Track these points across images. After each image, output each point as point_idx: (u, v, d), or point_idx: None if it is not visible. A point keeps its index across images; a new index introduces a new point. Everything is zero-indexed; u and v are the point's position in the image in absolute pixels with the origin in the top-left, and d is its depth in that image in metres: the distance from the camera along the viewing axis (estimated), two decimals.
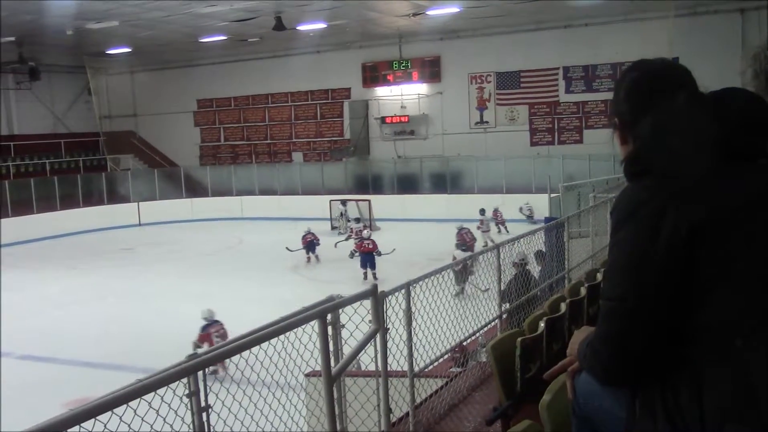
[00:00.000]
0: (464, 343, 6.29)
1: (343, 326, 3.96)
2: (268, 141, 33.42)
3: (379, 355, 4.21)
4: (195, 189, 31.85)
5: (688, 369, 1.71)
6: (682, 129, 1.72)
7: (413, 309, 4.92)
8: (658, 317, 1.70)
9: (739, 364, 1.63)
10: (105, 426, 2.33)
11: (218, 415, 2.99)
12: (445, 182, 28.56)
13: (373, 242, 18.64)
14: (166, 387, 2.53)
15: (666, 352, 1.74)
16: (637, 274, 1.69)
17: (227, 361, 2.87)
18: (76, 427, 2.10)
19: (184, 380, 2.70)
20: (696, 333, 1.70)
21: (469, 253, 14.63)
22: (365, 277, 18.07)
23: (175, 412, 2.77)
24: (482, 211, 22.32)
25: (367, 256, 18.42)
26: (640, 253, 1.68)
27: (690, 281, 1.66)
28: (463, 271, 13.43)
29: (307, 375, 5.57)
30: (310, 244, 21.06)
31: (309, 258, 21.05)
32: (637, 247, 1.69)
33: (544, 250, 9.17)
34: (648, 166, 1.75)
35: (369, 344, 3.93)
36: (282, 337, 3.20)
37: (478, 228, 20.99)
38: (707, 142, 1.70)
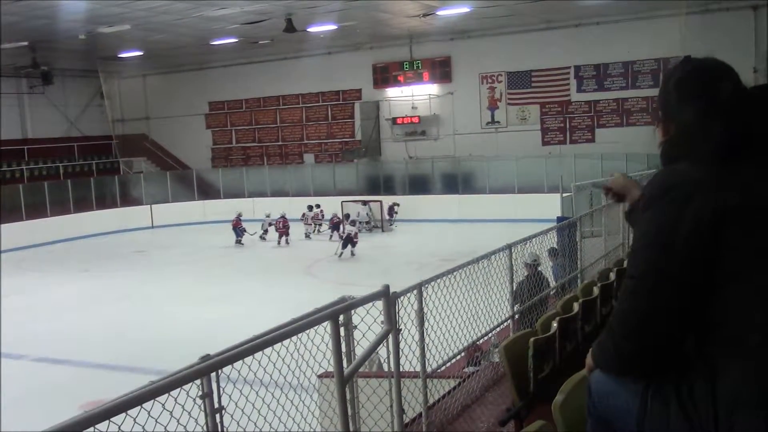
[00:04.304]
0: (477, 343, 6.28)
1: (355, 327, 3.96)
2: (280, 143, 33.51)
3: (391, 356, 4.21)
4: (207, 191, 31.98)
5: (704, 358, 1.73)
6: (721, 119, 1.76)
7: (425, 309, 4.91)
8: (678, 300, 1.73)
9: (753, 354, 1.66)
10: (119, 427, 2.34)
11: (231, 416, 3.00)
12: (457, 183, 28.51)
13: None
14: (179, 388, 2.54)
15: (683, 340, 1.77)
16: (660, 254, 1.73)
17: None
18: (91, 429, 2.11)
19: (198, 382, 2.70)
20: (713, 323, 1.72)
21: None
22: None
23: (189, 413, 2.78)
24: (309, 207, 26.60)
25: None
26: (664, 235, 1.72)
27: (711, 269, 1.69)
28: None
29: (319, 376, 5.58)
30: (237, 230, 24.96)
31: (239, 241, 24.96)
32: (661, 229, 1.73)
33: (556, 247, 9.16)
34: (684, 152, 1.79)
35: (381, 345, 3.92)
36: (294, 338, 3.20)
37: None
38: (744, 134, 1.73)
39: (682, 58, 2.03)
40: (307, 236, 25.74)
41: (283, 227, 24.58)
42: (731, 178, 1.70)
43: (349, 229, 22.26)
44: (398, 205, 27.38)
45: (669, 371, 1.79)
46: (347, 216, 24.96)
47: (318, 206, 26.79)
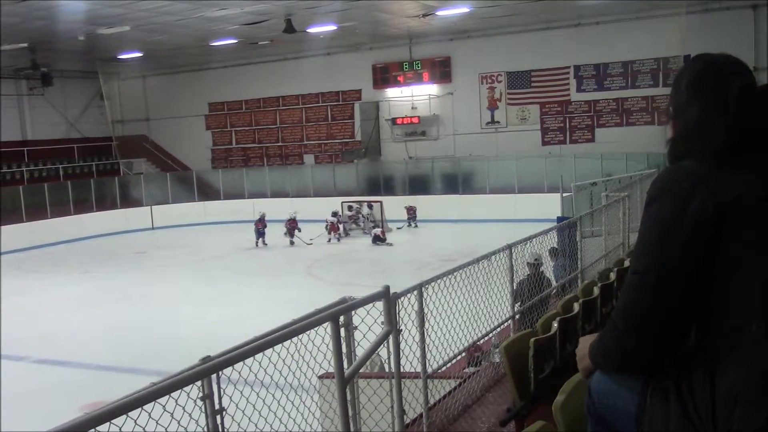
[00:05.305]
0: (478, 344, 6.28)
1: (355, 328, 3.96)
2: (280, 143, 33.51)
3: (392, 357, 4.21)
4: (207, 192, 31.98)
5: (703, 353, 1.75)
6: (725, 115, 1.78)
7: (426, 310, 4.91)
8: (681, 294, 1.75)
9: (753, 348, 1.67)
10: (120, 429, 2.34)
11: (232, 417, 3.00)
12: (457, 183, 28.51)
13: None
14: (180, 390, 2.54)
15: (686, 334, 1.79)
16: (663, 248, 1.75)
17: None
18: (92, 431, 2.11)
19: (198, 383, 2.70)
20: (713, 316, 1.74)
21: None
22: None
23: (189, 415, 2.78)
24: (350, 207, 26.83)
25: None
26: (667, 229, 1.74)
27: (713, 262, 1.71)
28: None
29: (320, 377, 5.58)
30: (259, 231, 24.58)
31: (257, 243, 24.61)
32: (664, 223, 1.75)
33: (557, 247, 9.16)
34: (690, 149, 1.82)
35: (382, 346, 3.92)
36: (295, 339, 3.21)
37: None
38: (747, 130, 1.76)
39: (693, 56, 2.00)
40: (347, 234, 25.94)
41: (290, 227, 24.50)
42: (734, 173, 1.73)
43: (375, 230, 24.44)
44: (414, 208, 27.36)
45: (670, 368, 1.81)
46: (335, 212, 25.59)
47: (350, 208, 26.75)
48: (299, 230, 24.31)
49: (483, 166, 27.89)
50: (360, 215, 26.45)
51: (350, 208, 26.76)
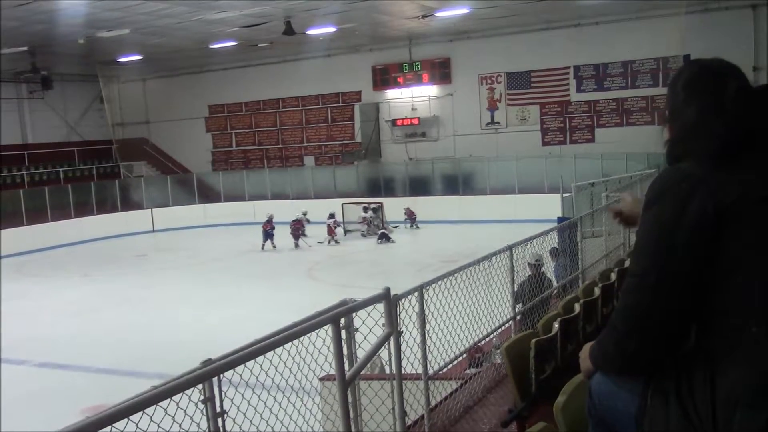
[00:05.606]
0: (479, 345, 6.28)
1: (356, 330, 3.95)
2: (280, 145, 33.53)
3: (393, 359, 4.21)
4: (208, 195, 31.99)
5: (703, 354, 1.75)
6: (723, 117, 1.78)
7: (427, 311, 4.91)
8: (680, 296, 1.74)
9: (753, 349, 1.67)
10: None
11: (234, 420, 2.99)
12: (457, 184, 28.51)
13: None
14: (181, 393, 2.53)
15: (686, 335, 1.79)
16: (662, 250, 1.75)
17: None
18: None
19: (200, 386, 2.70)
20: (712, 317, 1.74)
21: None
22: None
23: (191, 418, 2.78)
24: (365, 209, 26.71)
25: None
26: (666, 230, 1.74)
27: (713, 262, 1.71)
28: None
29: (321, 379, 5.56)
30: (267, 233, 24.24)
31: (264, 246, 24.20)
32: (664, 225, 1.75)
33: (557, 247, 9.15)
34: (688, 150, 1.82)
35: (383, 347, 3.92)
36: (296, 341, 3.20)
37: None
38: (746, 131, 1.76)
39: (689, 59, 2.04)
40: (363, 235, 25.95)
41: (293, 229, 24.34)
42: (733, 175, 1.72)
43: (382, 231, 24.95)
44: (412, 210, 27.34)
45: (670, 369, 1.80)
46: (331, 214, 25.46)
47: (365, 210, 26.59)
48: (303, 233, 24.20)
49: (483, 167, 27.89)
50: (368, 218, 26.40)
51: (365, 209, 26.58)
